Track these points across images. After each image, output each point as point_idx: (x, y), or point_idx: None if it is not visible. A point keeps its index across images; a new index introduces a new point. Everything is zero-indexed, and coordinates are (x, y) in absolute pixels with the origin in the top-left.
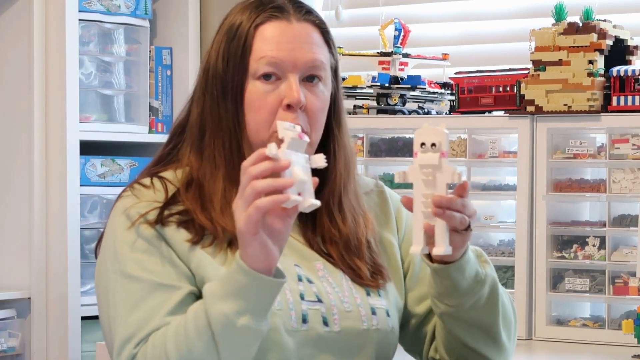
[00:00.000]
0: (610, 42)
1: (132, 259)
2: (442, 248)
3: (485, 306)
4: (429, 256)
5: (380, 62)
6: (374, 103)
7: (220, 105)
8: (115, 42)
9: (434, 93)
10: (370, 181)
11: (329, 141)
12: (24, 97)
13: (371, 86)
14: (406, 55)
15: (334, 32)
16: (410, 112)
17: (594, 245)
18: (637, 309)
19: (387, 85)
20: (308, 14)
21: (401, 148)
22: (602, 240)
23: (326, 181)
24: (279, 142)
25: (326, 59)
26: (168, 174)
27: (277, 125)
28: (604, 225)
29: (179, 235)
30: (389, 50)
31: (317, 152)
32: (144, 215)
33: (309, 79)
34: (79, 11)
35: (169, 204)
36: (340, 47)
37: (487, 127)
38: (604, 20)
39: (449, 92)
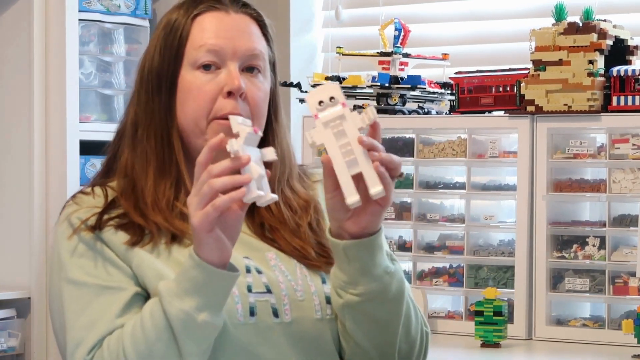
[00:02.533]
0: (610, 42)
1: (75, 264)
2: (379, 187)
3: (390, 302)
4: (337, 237)
5: (380, 62)
6: (374, 103)
7: (154, 99)
8: (115, 42)
9: (434, 93)
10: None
11: (266, 134)
12: (24, 97)
13: (371, 86)
14: (406, 55)
15: (334, 32)
16: (410, 112)
17: (594, 245)
18: (637, 309)
19: (387, 85)
20: (245, 7)
21: (401, 148)
22: (602, 240)
23: None
24: (231, 136)
25: (265, 50)
26: (113, 183)
27: (230, 120)
28: (604, 225)
29: (116, 238)
30: (389, 50)
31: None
32: (85, 221)
33: (249, 70)
34: (79, 11)
35: (108, 209)
36: (340, 47)
37: (487, 127)
38: (604, 20)
39: (449, 92)
